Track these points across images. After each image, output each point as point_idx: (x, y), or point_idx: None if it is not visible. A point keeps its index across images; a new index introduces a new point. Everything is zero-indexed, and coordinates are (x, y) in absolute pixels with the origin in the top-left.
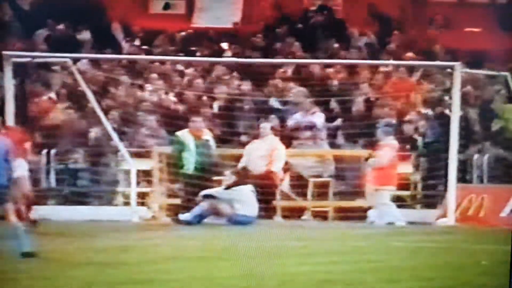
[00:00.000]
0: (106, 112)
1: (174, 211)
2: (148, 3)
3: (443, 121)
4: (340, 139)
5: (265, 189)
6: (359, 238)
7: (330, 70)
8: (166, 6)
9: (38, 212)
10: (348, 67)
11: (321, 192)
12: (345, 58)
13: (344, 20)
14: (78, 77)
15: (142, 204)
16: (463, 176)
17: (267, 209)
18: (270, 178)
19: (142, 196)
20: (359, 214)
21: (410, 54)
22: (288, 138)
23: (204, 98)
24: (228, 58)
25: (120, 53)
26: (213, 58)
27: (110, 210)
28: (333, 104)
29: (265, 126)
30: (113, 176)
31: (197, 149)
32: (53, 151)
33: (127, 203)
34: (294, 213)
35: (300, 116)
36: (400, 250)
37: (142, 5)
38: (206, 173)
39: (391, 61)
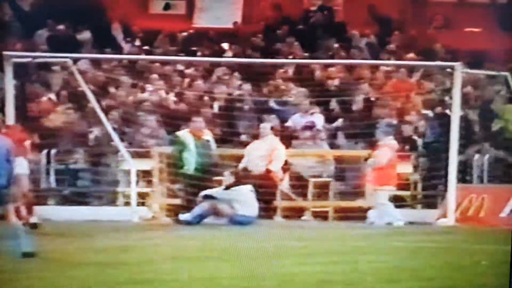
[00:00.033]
0: (106, 112)
1: (174, 211)
2: (148, 3)
3: (444, 121)
4: (340, 139)
5: (265, 189)
6: (359, 238)
7: (330, 70)
8: (167, 6)
9: (39, 212)
10: (348, 67)
11: (321, 192)
12: (345, 58)
13: (344, 20)
14: (78, 77)
15: (142, 204)
16: (463, 176)
17: (267, 209)
18: (270, 178)
19: (142, 196)
20: (359, 215)
21: (410, 54)
22: (288, 138)
23: (205, 98)
24: (228, 58)
25: (120, 53)
26: (213, 58)
27: (110, 210)
28: (333, 104)
29: (265, 126)
30: (113, 176)
31: (198, 149)
32: (53, 151)
33: (127, 203)
34: (294, 213)
35: (299, 116)
36: (400, 250)
37: (142, 5)
38: (207, 173)
39: (391, 61)
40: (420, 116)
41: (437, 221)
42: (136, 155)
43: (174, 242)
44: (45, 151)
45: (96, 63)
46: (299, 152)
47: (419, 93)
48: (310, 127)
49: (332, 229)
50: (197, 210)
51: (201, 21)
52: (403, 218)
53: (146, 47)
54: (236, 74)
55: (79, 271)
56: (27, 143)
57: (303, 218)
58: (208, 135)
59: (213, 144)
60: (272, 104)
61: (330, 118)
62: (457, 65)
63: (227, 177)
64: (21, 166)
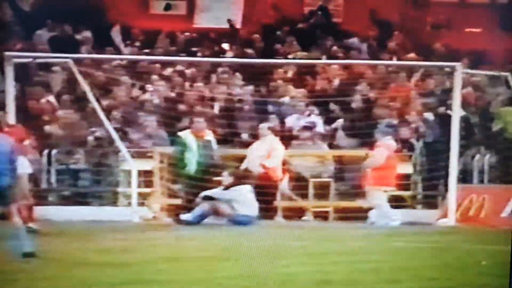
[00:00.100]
0: (107, 112)
1: (175, 211)
2: (148, 3)
3: (444, 121)
4: (340, 140)
5: (264, 189)
6: (360, 238)
7: (330, 70)
8: (167, 7)
9: (39, 212)
10: (348, 67)
11: (322, 192)
12: (345, 59)
13: (344, 21)
14: (79, 77)
15: (143, 204)
16: (464, 176)
17: (267, 209)
18: (269, 178)
19: (143, 196)
20: (360, 215)
21: (411, 54)
22: (287, 138)
23: (205, 98)
24: (228, 58)
25: (120, 53)
26: (213, 58)
27: (111, 210)
28: (333, 104)
29: (263, 127)
30: (114, 177)
31: (199, 150)
32: (54, 152)
33: (128, 204)
34: (294, 214)
35: (297, 117)
36: (400, 250)
37: (142, 5)
38: (208, 173)
39: (391, 61)
40: (420, 117)
41: (438, 221)
42: (137, 155)
43: (175, 242)
44: (45, 151)
45: (96, 63)
46: (299, 153)
47: (419, 94)
48: (309, 127)
49: (333, 229)
50: (197, 210)
51: (201, 21)
52: (404, 219)
53: (146, 48)
54: (236, 74)
55: (79, 271)
56: (28, 142)
57: (303, 218)
58: (209, 136)
59: (214, 145)
60: (272, 103)
61: (329, 118)
62: (458, 65)
63: (226, 178)
64: (22, 166)
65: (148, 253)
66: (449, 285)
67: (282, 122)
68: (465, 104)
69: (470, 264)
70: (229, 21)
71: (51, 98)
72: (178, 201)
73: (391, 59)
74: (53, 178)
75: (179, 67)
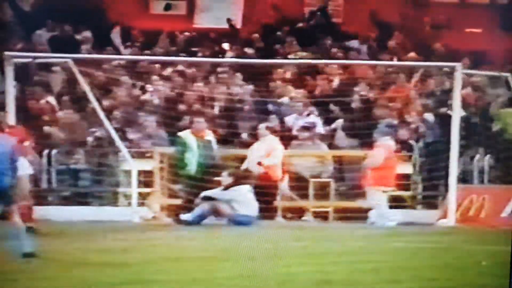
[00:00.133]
0: (107, 112)
1: (175, 211)
2: (149, 3)
3: (444, 121)
4: (339, 140)
5: (265, 189)
6: (360, 238)
7: (330, 70)
8: (167, 7)
9: (39, 212)
10: (347, 67)
11: (322, 192)
12: (345, 59)
13: (344, 21)
14: (79, 77)
15: (143, 204)
16: (464, 176)
17: (267, 210)
18: (269, 177)
19: (143, 196)
20: (360, 215)
21: (411, 54)
22: (286, 138)
23: (206, 98)
24: (228, 58)
25: (120, 54)
26: (213, 58)
27: (111, 210)
28: (333, 105)
29: (262, 127)
30: (114, 177)
31: (199, 150)
32: (54, 152)
33: (128, 204)
34: (294, 214)
35: (296, 117)
36: (400, 250)
37: (143, 5)
38: (208, 173)
39: (391, 62)
40: (420, 117)
41: (438, 221)
42: (137, 155)
43: (175, 242)
44: (46, 152)
45: (97, 63)
46: (299, 153)
47: (419, 94)
48: (309, 127)
49: (333, 229)
50: (197, 210)
51: (201, 21)
52: (404, 219)
53: (146, 48)
54: (236, 74)
55: (80, 271)
56: (28, 143)
57: (303, 218)
58: (210, 136)
59: (214, 145)
60: (271, 103)
61: (329, 118)
62: (458, 65)
63: (225, 178)
64: (23, 167)
65: (148, 253)
66: (449, 285)
67: (281, 122)
68: (465, 105)
69: (470, 265)
70: (228, 20)
71: (51, 99)
72: (178, 201)
73: (391, 59)
74: (53, 178)
75: (179, 67)
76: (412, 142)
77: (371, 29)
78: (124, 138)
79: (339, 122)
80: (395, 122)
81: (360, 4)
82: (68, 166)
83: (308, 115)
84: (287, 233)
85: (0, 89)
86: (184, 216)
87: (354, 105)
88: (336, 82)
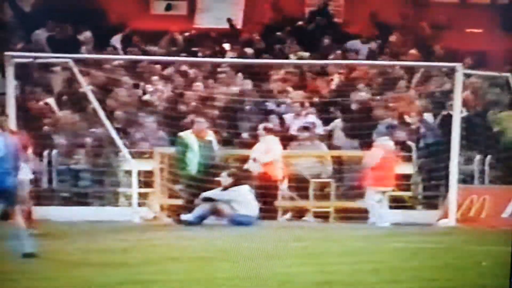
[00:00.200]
0: (107, 112)
1: (175, 211)
2: (150, 4)
3: (445, 122)
4: (339, 140)
5: (264, 189)
6: (360, 239)
7: (330, 71)
8: (168, 7)
9: (40, 212)
10: (348, 67)
11: (322, 193)
12: (345, 59)
13: (345, 21)
14: (79, 77)
15: (144, 204)
16: (464, 177)
17: (267, 210)
18: (268, 177)
19: (143, 196)
20: (361, 215)
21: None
22: (286, 139)
23: (206, 98)
24: (228, 59)
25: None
26: (213, 59)
27: (112, 210)
28: (332, 105)
29: (260, 127)
30: (115, 177)
31: (200, 150)
32: (54, 152)
33: (128, 204)
34: (295, 214)
35: (296, 117)
36: (401, 251)
37: (143, 6)
38: (209, 174)
39: (391, 62)
40: (421, 117)
41: (438, 222)
42: (137, 156)
43: (175, 242)
44: (46, 152)
45: (97, 63)
46: (298, 153)
47: (419, 95)
48: (308, 128)
49: (333, 229)
50: (197, 210)
51: (202, 21)
52: (405, 219)
53: (147, 48)
54: (236, 74)
55: (80, 271)
56: (30, 150)
57: (304, 218)
58: (210, 136)
59: (215, 145)
60: (271, 103)
61: (328, 119)
62: (458, 66)
63: (224, 178)
64: (24, 172)
65: (148, 253)
66: (449, 286)
67: (281, 123)
68: (465, 105)
69: (470, 265)
70: (229, 20)
71: (50, 100)
72: (178, 202)
73: (391, 60)
74: (54, 179)
75: (179, 67)
76: (412, 142)
77: (372, 29)
78: (124, 138)
79: (337, 122)
80: (395, 122)
81: (361, 5)
82: (68, 166)
83: (308, 115)
84: (287, 233)
85: (0, 89)
86: (185, 216)
87: (354, 105)
88: (336, 82)
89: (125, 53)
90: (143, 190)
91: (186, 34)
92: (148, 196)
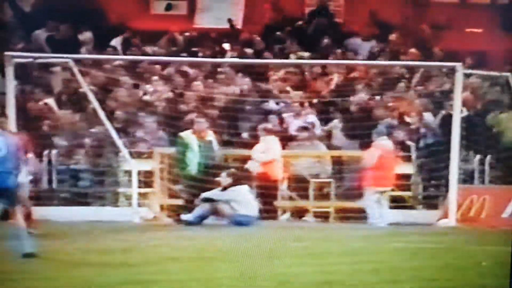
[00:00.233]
0: (107, 112)
1: (175, 211)
2: (150, 3)
3: (445, 122)
4: (339, 140)
5: (264, 189)
6: (360, 239)
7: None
8: (168, 7)
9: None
10: (347, 67)
11: (322, 193)
12: (345, 59)
13: (345, 21)
14: (79, 77)
15: (144, 204)
16: (465, 177)
17: (267, 210)
18: (267, 177)
19: (143, 196)
20: (360, 215)
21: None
22: (286, 139)
23: (206, 99)
24: (228, 59)
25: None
26: (213, 59)
27: (112, 210)
28: (332, 105)
29: (260, 128)
30: (115, 177)
31: (200, 150)
32: (54, 152)
33: (128, 204)
34: (295, 214)
35: (296, 117)
36: (401, 251)
37: (144, 5)
38: (209, 174)
39: (391, 62)
40: (421, 117)
41: (438, 222)
42: (137, 156)
43: (175, 242)
44: (46, 152)
45: (97, 63)
46: (298, 153)
47: (419, 95)
48: (307, 128)
49: (333, 229)
50: (198, 210)
51: (202, 21)
52: (405, 219)
53: (147, 48)
54: (236, 74)
55: (80, 271)
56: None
57: (304, 218)
58: (211, 136)
59: (215, 145)
60: (270, 104)
61: (328, 119)
62: (458, 65)
63: (224, 178)
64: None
65: (148, 253)
66: (449, 286)
67: (281, 123)
68: (466, 105)
69: (470, 265)
70: (229, 20)
71: (49, 100)
72: (178, 202)
73: (391, 59)
74: (53, 179)
75: (179, 67)
76: (411, 142)
77: (372, 29)
78: (124, 138)
79: (335, 122)
80: (395, 122)
81: (361, 4)
82: (68, 166)
83: (307, 115)
84: (287, 233)
85: (0, 90)
86: (185, 217)
87: (353, 105)
88: (336, 82)
89: (125, 53)
90: (143, 190)
91: (186, 34)
92: (148, 196)
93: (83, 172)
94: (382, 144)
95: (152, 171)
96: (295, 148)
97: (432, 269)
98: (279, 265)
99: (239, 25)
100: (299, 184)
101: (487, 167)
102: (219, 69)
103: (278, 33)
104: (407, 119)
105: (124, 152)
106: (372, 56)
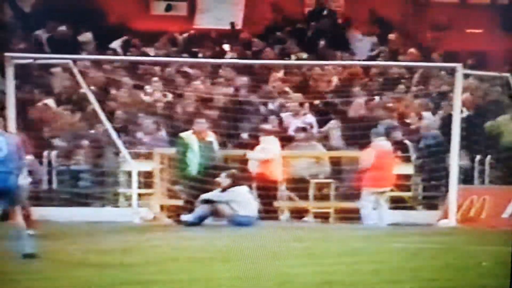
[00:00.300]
0: (107, 113)
1: (175, 212)
2: (149, 4)
3: (445, 122)
4: (337, 141)
5: (263, 190)
6: (360, 239)
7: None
8: (168, 8)
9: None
10: (347, 68)
11: (322, 193)
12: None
13: (345, 22)
14: (79, 78)
15: (144, 205)
16: (465, 177)
17: (267, 211)
18: (266, 178)
19: (143, 197)
20: (361, 216)
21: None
22: (285, 139)
23: (206, 99)
24: (228, 59)
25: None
26: (213, 59)
27: (112, 211)
28: (331, 105)
29: (259, 129)
30: (115, 177)
31: (201, 151)
32: (54, 152)
33: (128, 205)
34: (295, 214)
35: (294, 118)
36: (401, 251)
37: (143, 6)
38: (209, 174)
39: (391, 62)
40: (420, 118)
41: (438, 222)
42: (137, 156)
43: (175, 243)
44: (46, 152)
45: (97, 64)
46: (297, 154)
47: (419, 95)
48: (306, 128)
49: (333, 230)
50: (198, 211)
51: (202, 22)
52: (405, 219)
53: (147, 48)
54: (236, 75)
55: (80, 272)
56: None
57: (304, 219)
58: (211, 137)
59: (216, 146)
60: (270, 104)
61: (327, 119)
62: (458, 66)
63: (223, 179)
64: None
65: (148, 254)
66: (449, 286)
67: (280, 123)
68: (466, 105)
69: (470, 265)
70: (231, 24)
71: (49, 101)
72: (178, 202)
73: (390, 60)
74: (53, 179)
75: (179, 68)
76: (411, 143)
77: (372, 29)
78: (124, 138)
79: (333, 122)
80: (395, 123)
81: (361, 5)
82: (68, 167)
83: (306, 115)
84: (287, 233)
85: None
86: (185, 217)
87: (353, 105)
88: (335, 82)
89: (125, 54)
90: (143, 190)
91: (186, 34)
92: (148, 197)
93: (83, 172)
94: (380, 145)
95: (152, 171)
96: (294, 148)
97: (432, 270)
98: (279, 266)
99: (239, 25)
100: (299, 185)
101: (487, 167)
102: (219, 70)
103: (278, 33)
104: (407, 120)
105: (124, 152)
106: (371, 56)
